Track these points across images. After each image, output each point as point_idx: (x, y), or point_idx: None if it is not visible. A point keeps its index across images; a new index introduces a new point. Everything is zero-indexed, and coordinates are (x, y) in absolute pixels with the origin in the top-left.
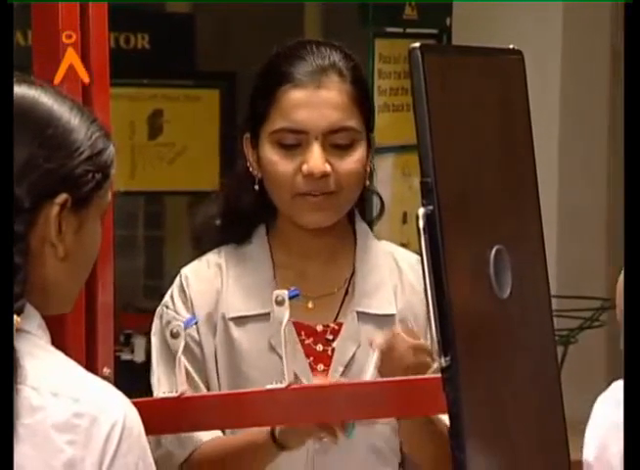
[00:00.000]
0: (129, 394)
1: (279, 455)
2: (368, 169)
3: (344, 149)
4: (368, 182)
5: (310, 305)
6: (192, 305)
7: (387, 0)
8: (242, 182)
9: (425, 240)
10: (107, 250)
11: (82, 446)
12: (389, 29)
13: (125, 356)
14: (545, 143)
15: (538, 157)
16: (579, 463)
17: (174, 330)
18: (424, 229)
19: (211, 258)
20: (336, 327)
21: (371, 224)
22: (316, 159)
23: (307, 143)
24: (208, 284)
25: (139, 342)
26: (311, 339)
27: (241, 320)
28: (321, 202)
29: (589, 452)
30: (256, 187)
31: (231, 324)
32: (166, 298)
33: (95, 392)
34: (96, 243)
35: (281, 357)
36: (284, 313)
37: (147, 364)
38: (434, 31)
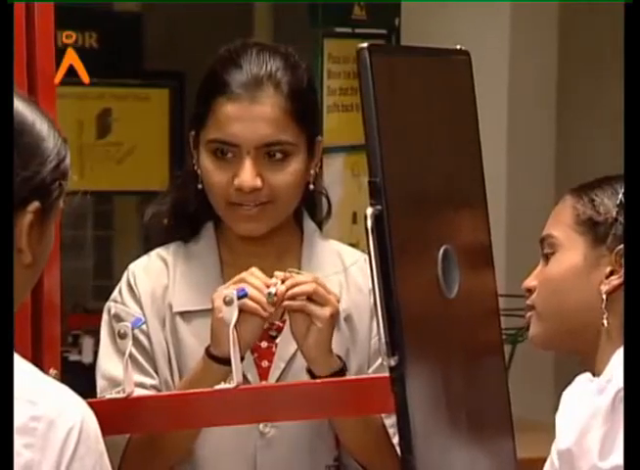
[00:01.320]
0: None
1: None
2: (313, 173)
3: (279, 162)
4: (312, 186)
5: None
6: (140, 299)
7: (336, 0)
8: (188, 180)
9: (373, 240)
10: (54, 250)
11: (39, 450)
12: (339, 29)
13: (73, 357)
14: (492, 142)
15: (486, 156)
16: (526, 460)
17: (122, 330)
18: (372, 229)
19: (159, 253)
20: (280, 324)
21: (320, 224)
22: (246, 173)
23: (240, 156)
24: (156, 279)
25: (87, 342)
26: None
27: (187, 315)
28: (254, 213)
29: (567, 441)
30: (200, 186)
31: (178, 319)
32: (114, 293)
33: (52, 395)
34: (51, 247)
35: None
36: (232, 313)
37: (95, 365)
38: (383, 31)
